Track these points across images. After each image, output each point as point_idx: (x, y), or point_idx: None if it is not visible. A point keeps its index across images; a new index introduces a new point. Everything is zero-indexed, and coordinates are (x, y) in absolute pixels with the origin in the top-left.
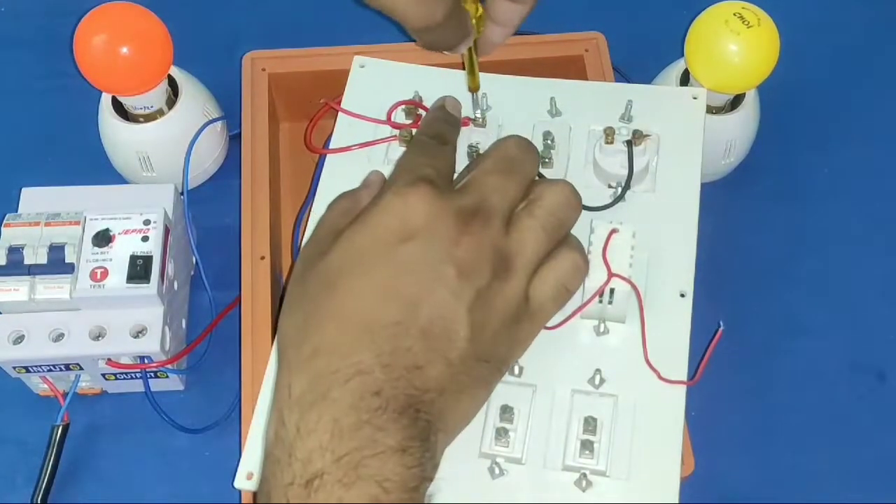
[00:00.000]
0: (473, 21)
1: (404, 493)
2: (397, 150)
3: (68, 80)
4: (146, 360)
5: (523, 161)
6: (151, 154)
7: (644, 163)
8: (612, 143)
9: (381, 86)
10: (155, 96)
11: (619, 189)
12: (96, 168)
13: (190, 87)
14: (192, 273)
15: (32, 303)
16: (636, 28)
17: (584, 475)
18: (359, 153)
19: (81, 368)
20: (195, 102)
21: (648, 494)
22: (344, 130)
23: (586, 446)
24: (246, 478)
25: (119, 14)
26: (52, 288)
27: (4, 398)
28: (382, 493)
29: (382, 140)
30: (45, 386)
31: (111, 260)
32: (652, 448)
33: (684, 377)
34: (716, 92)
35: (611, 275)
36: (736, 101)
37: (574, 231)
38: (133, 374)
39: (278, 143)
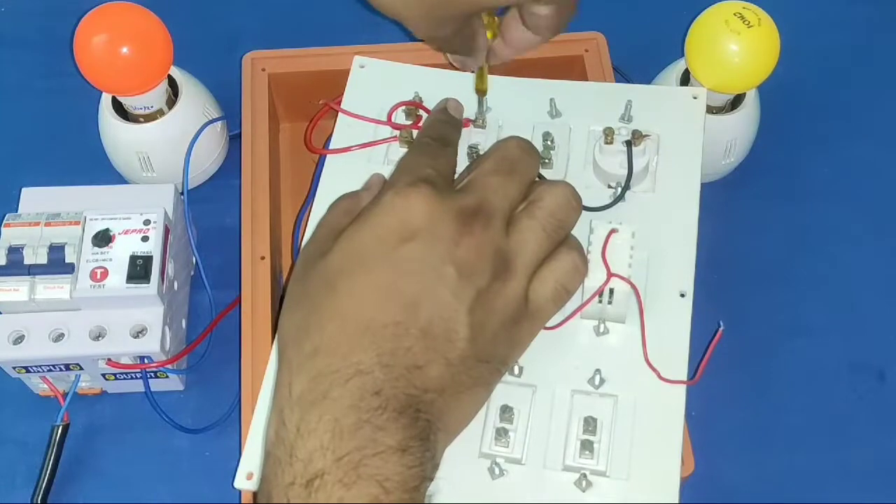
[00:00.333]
0: (488, 33)
1: (405, 492)
2: (397, 150)
3: (68, 80)
4: (146, 360)
5: (524, 162)
6: (151, 154)
7: (644, 163)
8: (611, 143)
9: (381, 86)
10: (155, 96)
11: (619, 189)
12: (96, 168)
13: (190, 87)
14: (192, 273)
15: (32, 303)
16: (636, 28)
17: (584, 475)
18: (359, 154)
19: (81, 368)
20: (195, 102)
21: (648, 494)
22: (344, 131)
23: (586, 446)
24: (246, 478)
25: (119, 14)
26: (52, 288)
27: (4, 398)
28: (383, 493)
29: (383, 141)
30: (45, 386)
31: (111, 260)
32: (652, 448)
33: (684, 377)
34: (716, 92)
35: (610, 275)
36: (736, 101)
37: (574, 231)
38: (133, 374)
39: (278, 143)
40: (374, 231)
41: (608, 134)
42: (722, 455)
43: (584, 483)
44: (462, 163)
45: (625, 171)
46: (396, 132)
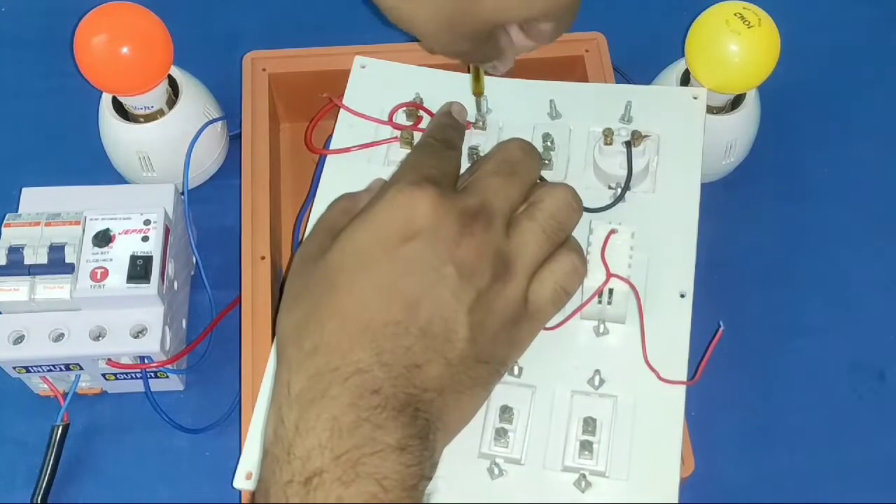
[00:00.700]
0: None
1: (403, 491)
2: (398, 151)
3: (68, 80)
4: (146, 360)
5: (525, 164)
6: (151, 154)
7: (644, 163)
8: (611, 143)
9: (381, 86)
10: (155, 96)
11: (619, 190)
12: (96, 168)
13: (190, 87)
14: (192, 273)
15: (33, 303)
16: (636, 28)
17: (584, 476)
18: (359, 154)
19: (81, 368)
20: (195, 102)
21: (648, 495)
22: (344, 131)
23: (585, 447)
24: (245, 477)
25: (119, 14)
26: (53, 288)
27: (4, 398)
28: (381, 492)
29: (383, 141)
30: (45, 386)
31: (111, 260)
32: (652, 448)
33: (684, 377)
34: (716, 92)
35: (609, 275)
36: (736, 102)
37: (574, 232)
38: (133, 374)
39: (279, 143)
40: (376, 230)
41: (608, 135)
42: (722, 455)
43: (583, 483)
44: (462, 164)
45: (625, 172)
46: (397, 133)
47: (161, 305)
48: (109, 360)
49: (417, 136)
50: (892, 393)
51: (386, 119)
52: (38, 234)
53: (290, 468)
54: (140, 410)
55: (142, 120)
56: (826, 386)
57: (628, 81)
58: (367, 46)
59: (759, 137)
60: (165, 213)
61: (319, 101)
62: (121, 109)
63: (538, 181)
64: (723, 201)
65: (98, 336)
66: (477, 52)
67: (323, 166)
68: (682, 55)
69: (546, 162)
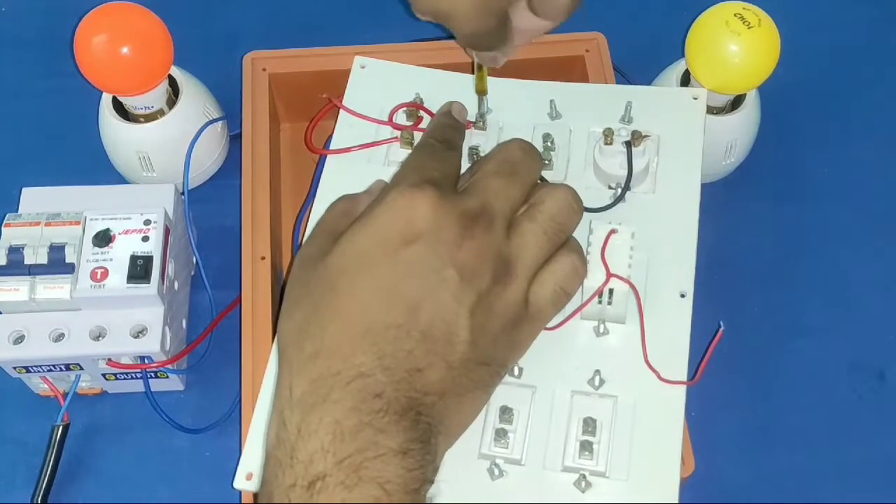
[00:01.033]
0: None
1: (405, 495)
2: (398, 151)
3: (68, 80)
4: (146, 360)
5: (525, 164)
6: (152, 154)
7: (644, 163)
8: (611, 144)
9: (381, 87)
10: (155, 96)
11: (619, 190)
12: (96, 168)
13: (190, 87)
14: (192, 273)
15: (33, 303)
16: (636, 28)
17: (584, 476)
18: (359, 154)
19: (81, 368)
20: (195, 102)
21: (648, 495)
22: (344, 131)
23: (586, 447)
24: (245, 478)
25: (119, 14)
26: (53, 288)
27: (4, 398)
28: (384, 496)
29: (383, 141)
30: (45, 386)
31: (111, 260)
32: (652, 448)
33: (684, 377)
34: (716, 92)
35: (609, 275)
36: (736, 102)
37: (574, 232)
38: (133, 374)
39: (279, 143)
40: (376, 232)
41: (608, 135)
42: (722, 455)
43: (583, 484)
44: (463, 164)
45: (625, 172)
46: (397, 133)
47: (161, 305)
48: (109, 360)
49: (417, 136)
50: (892, 393)
51: (386, 119)
52: (39, 234)
53: (292, 472)
54: (140, 410)
55: (142, 120)
56: (826, 386)
57: (628, 81)
58: (367, 46)
59: (759, 138)
60: (165, 213)
61: (319, 101)
62: (121, 109)
63: (539, 181)
64: (723, 201)
65: (98, 336)
66: (499, 33)
67: (323, 166)
68: (682, 55)
69: (546, 162)
